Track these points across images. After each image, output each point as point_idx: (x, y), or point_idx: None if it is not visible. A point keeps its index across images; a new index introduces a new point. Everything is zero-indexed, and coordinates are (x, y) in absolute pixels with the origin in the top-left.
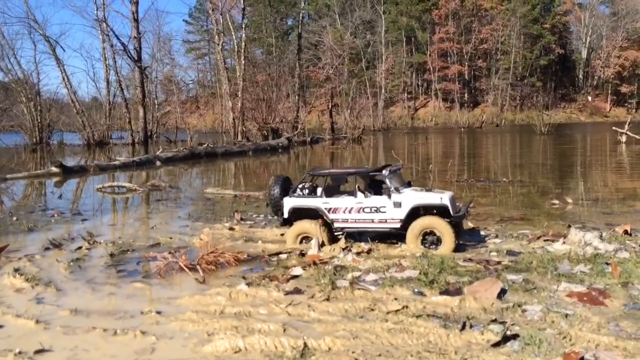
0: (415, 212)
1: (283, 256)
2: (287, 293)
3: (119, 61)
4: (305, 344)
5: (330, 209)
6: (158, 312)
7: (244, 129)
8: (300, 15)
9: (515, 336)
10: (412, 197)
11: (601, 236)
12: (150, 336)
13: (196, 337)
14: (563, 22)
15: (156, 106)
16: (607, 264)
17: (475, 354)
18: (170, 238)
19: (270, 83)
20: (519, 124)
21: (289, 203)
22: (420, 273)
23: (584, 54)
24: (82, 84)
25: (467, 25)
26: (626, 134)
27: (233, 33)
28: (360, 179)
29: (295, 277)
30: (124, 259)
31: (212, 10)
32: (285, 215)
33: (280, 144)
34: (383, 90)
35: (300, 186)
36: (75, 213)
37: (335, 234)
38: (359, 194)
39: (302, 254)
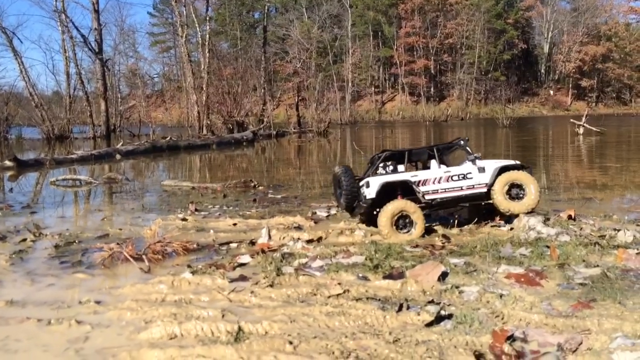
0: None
1: (233, 245)
2: (232, 280)
3: (80, 53)
4: (240, 328)
5: (419, 181)
6: (97, 302)
7: (209, 122)
8: (266, 8)
9: (449, 316)
10: (492, 162)
11: (545, 221)
12: (85, 325)
13: (133, 325)
14: (526, 18)
15: (119, 100)
16: (547, 247)
17: (409, 333)
18: (120, 229)
19: (236, 76)
20: (484, 117)
21: (376, 181)
22: (366, 259)
23: (546, 49)
24: (42, 76)
25: (432, 20)
26: (583, 126)
27: (197, 26)
28: (431, 153)
29: (242, 265)
30: (69, 250)
31: (176, 1)
32: (373, 196)
33: (245, 137)
34: (350, 84)
35: (381, 165)
36: (24, 206)
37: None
38: (442, 165)
39: (252, 243)
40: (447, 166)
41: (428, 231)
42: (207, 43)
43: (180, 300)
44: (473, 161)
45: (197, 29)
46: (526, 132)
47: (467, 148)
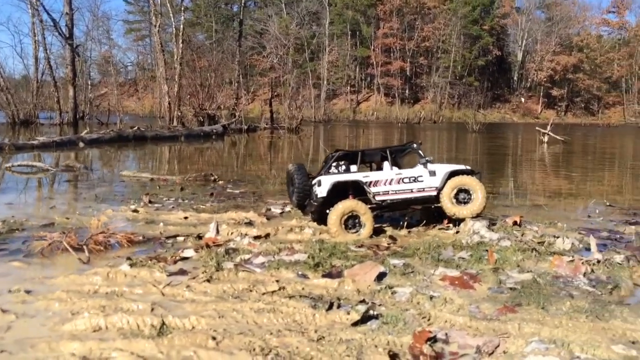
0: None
1: (180, 239)
2: (171, 274)
3: (50, 38)
4: (163, 323)
5: (371, 182)
6: (27, 291)
7: (179, 114)
8: (242, 1)
9: (377, 316)
10: (443, 166)
11: (489, 226)
12: (10, 315)
13: (59, 316)
14: (501, 25)
15: (89, 87)
16: (487, 251)
17: (335, 332)
18: (68, 218)
19: (210, 69)
20: (456, 121)
21: (328, 180)
22: (308, 257)
23: (520, 57)
24: (9, 59)
25: (410, 23)
26: (548, 134)
27: (172, 15)
28: (384, 155)
29: (185, 258)
30: (10, 237)
31: None
32: (324, 194)
33: (214, 131)
34: (326, 82)
35: (334, 164)
36: None
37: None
38: (394, 167)
39: (199, 237)
40: (401, 168)
41: (377, 232)
42: (181, 33)
43: (113, 292)
44: (425, 164)
45: (172, 18)
46: (494, 138)
47: (420, 151)
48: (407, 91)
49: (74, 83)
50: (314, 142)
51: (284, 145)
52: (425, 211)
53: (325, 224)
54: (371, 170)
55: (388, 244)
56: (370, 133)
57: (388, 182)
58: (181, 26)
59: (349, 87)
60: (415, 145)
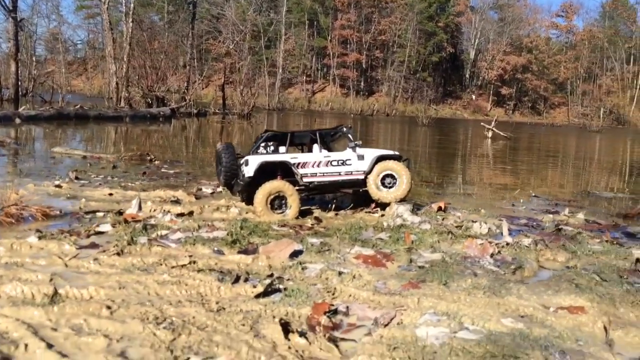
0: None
1: (100, 214)
2: (81, 247)
3: None
4: (55, 291)
5: (298, 163)
6: None
7: (127, 95)
8: None
9: (283, 289)
10: (372, 150)
11: (413, 210)
12: None
13: None
14: (456, 23)
15: (34, 63)
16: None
17: (236, 304)
18: None
19: (161, 50)
20: (409, 115)
21: (255, 160)
22: (227, 234)
23: (472, 55)
24: None
25: (367, 15)
26: (492, 130)
27: None
28: (314, 137)
29: (100, 233)
30: None
31: None
32: (251, 174)
33: (162, 113)
34: (281, 70)
35: (262, 144)
36: None
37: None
38: (323, 149)
39: (120, 213)
40: (331, 152)
41: (305, 213)
42: (131, 12)
43: (14, 263)
44: (353, 148)
45: None
46: (442, 132)
47: (349, 135)
48: (362, 83)
49: (16, 58)
50: (264, 129)
51: (232, 131)
52: (355, 195)
53: (253, 204)
54: (302, 152)
55: (312, 224)
56: (324, 123)
57: (316, 164)
58: (131, 5)
59: (304, 77)
60: (345, 129)
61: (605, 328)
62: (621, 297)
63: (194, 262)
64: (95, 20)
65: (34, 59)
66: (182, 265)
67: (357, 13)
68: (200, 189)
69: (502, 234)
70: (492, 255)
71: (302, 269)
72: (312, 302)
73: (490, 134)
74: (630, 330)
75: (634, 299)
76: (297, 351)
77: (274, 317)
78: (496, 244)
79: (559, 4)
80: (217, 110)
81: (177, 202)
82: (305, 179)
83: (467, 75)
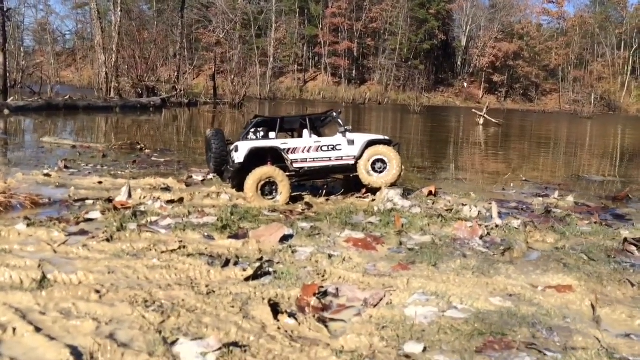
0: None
1: (89, 202)
2: (70, 234)
3: None
4: (44, 276)
5: (289, 149)
6: None
7: (117, 85)
8: None
9: (273, 272)
10: (362, 135)
11: (404, 194)
12: None
13: None
14: (447, 10)
15: (22, 54)
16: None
17: (226, 286)
18: None
19: (151, 40)
20: (401, 103)
21: (245, 146)
22: (218, 219)
23: (464, 42)
24: None
25: (358, 3)
26: (484, 117)
27: None
28: (303, 123)
29: (90, 220)
30: None
31: None
32: (241, 160)
33: (152, 103)
34: (272, 60)
35: (252, 130)
36: None
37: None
38: (313, 135)
39: (110, 201)
40: (321, 137)
41: (295, 199)
42: (119, 1)
43: (2, 250)
44: (344, 133)
45: None
46: (434, 119)
47: (339, 120)
48: (354, 72)
49: (3, 49)
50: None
51: (223, 120)
52: (346, 181)
53: (243, 191)
54: (293, 138)
55: (303, 210)
56: (316, 111)
57: (306, 149)
58: None
59: (296, 66)
60: (335, 114)
61: (592, 306)
62: (609, 276)
63: (184, 247)
64: (83, 10)
65: (22, 50)
66: (172, 250)
67: (348, 1)
68: (191, 177)
69: (492, 216)
70: (481, 237)
71: (292, 252)
72: (301, 284)
73: (482, 121)
74: (617, 307)
75: (621, 277)
76: (286, 331)
77: (263, 298)
78: (486, 226)
79: None
80: (208, 100)
81: (167, 189)
82: (295, 165)
83: (459, 63)
